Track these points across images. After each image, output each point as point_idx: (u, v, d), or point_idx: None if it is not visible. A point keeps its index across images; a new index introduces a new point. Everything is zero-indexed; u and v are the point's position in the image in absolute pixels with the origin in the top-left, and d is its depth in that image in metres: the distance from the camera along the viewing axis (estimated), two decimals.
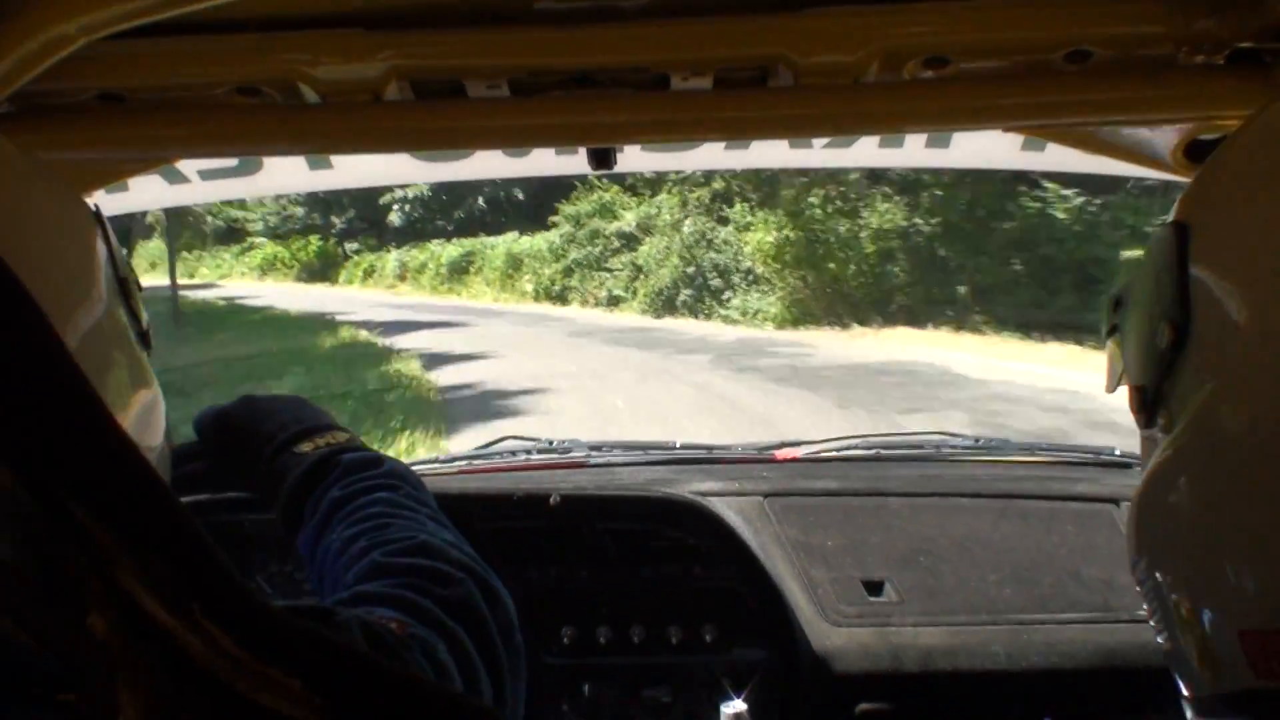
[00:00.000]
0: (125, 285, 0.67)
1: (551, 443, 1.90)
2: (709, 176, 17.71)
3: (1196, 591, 0.54)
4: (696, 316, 18.21)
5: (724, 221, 18.86)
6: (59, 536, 0.37)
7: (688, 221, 19.16)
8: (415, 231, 27.86)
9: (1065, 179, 12.72)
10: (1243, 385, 0.51)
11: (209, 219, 30.66)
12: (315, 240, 31.22)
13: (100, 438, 0.40)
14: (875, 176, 15.69)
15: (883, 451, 1.80)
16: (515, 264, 23.78)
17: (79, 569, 0.38)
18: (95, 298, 0.62)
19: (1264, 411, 0.49)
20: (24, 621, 0.38)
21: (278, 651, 0.39)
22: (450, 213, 27.51)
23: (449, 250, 25.90)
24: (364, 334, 17.99)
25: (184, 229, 30.25)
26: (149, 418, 0.69)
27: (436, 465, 1.77)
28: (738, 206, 18.69)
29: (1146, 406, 0.60)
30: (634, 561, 1.52)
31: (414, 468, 1.72)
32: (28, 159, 0.64)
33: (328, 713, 0.39)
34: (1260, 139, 0.56)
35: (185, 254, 32.91)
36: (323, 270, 31.02)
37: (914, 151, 1.16)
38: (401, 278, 27.55)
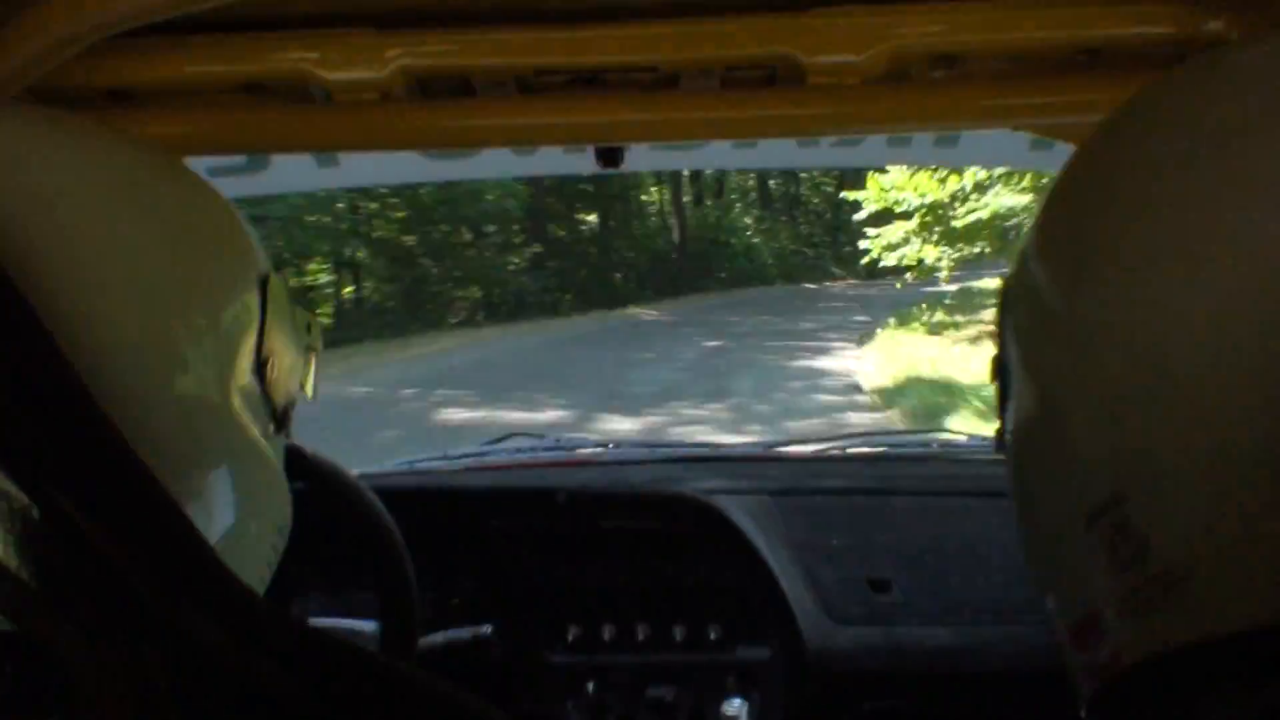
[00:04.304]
0: (266, 364, 0.61)
1: (558, 440, 1.90)
2: None
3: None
4: None
5: None
6: (52, 534, 0.38)
7: None
8: None
9: None
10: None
11: None
12: None
13: (92, 436, 0.40)
14: None
15: (889, 450, 1.80)
16: None
17: (71, 565, 0.38)
18: (210, 370, 0.56)
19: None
20: (17, 617, 0.38)
21: (267, 644, 0.39)
22: None
23: None
24: None
25: None
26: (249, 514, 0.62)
27: (443, 462, 1.77)
28: None
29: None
30: (640, 559, 1.52)
31: (420, 464, 1.75)
32: (230, 214, 0.62)
33: (317, 704, 0.39)
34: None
35: None
36: None
37: (922, 150, 1.15)
38: None
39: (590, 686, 1.48)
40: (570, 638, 1.49)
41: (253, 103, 0.92)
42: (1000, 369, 0.57)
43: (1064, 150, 1.05)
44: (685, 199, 25.68)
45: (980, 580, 1.48)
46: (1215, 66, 0.50)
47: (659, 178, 23.69)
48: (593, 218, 23.60)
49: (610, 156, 1.03)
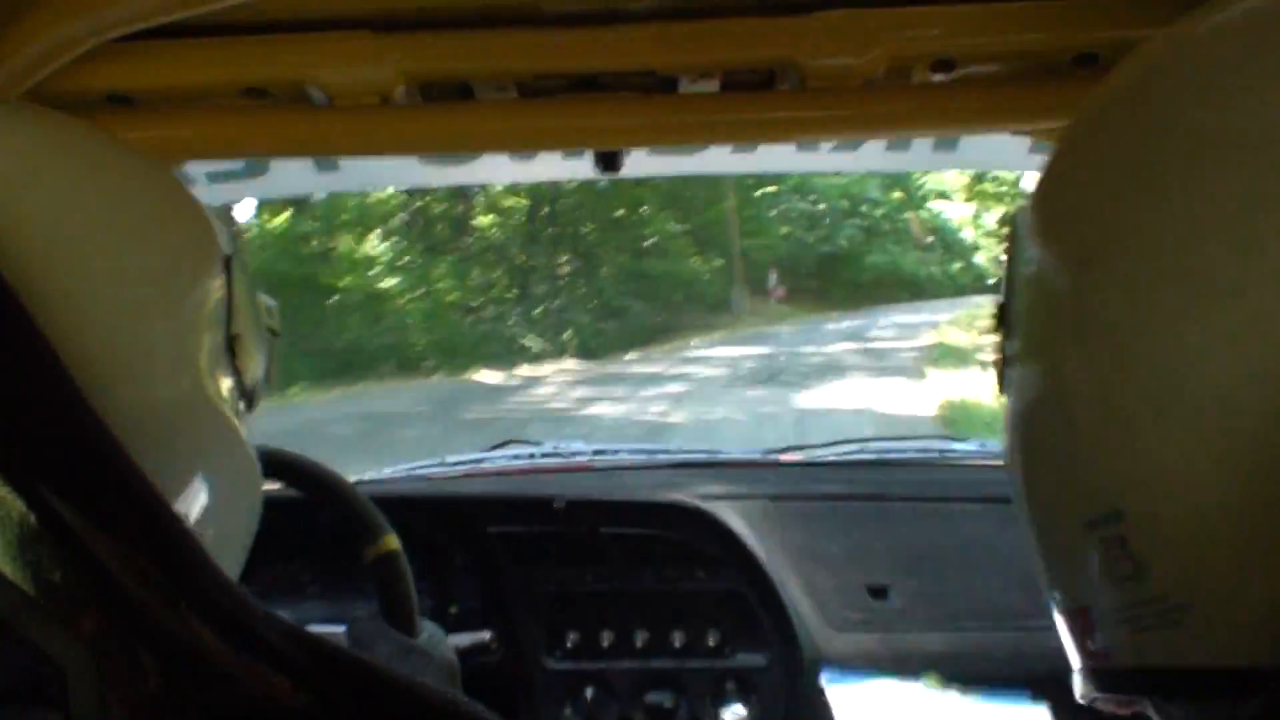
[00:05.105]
0: (235, 343, 0.62)
1: (556, 446, 1.90)
2: None
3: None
4: None
5: None
6: (48, 539, 0.38)
7: None
8: None
9: None
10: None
11: None
12: None
13: (88, 441, 0.40)
14: None
15: (887, 455, 1.80)
16: None
17: (68, 571, 0.38)
18: (177, 350, 0.57)
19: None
20: (14, 623, 0.38)
21: (264, 649, 0.39)
22: None
23: None
24: None
25: None
26: (223, 494, 0.62)
27: (441, 468, 1.76)
28: None
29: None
30: (638, 565, 1.52)
31: (418, 470, 1.74)
32: (180, 194, 0.62)
33: (314, 709, 0.39)
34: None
35: None
36: None
37: (921, 154, 1.15)
38: None
39: (589, 692, 1.48)
40: (569, 644, 1.49)
41: (252, 107, 0.92)
42: (1002, 313, 0.54)
43: None
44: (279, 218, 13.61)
45: (978, 586, 1.48)
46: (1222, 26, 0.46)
47: None
48: None
49: (609, 161, 1.03)
